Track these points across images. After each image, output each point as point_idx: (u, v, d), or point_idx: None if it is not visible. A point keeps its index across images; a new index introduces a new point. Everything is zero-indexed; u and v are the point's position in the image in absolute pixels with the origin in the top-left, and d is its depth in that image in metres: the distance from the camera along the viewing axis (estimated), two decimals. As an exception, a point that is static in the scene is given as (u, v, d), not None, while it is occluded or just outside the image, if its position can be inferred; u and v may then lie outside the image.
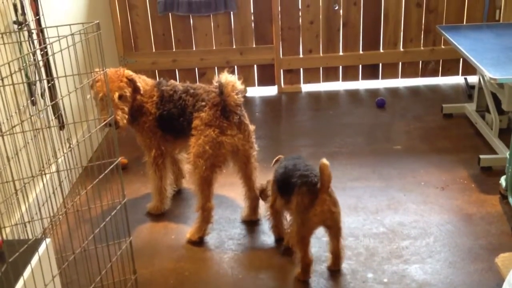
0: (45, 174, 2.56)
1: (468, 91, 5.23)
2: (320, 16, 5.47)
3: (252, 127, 3.29)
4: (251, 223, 3.44)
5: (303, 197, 2.73)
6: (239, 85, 3.10)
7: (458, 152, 4.18)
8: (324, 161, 2.67)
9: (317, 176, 2.75)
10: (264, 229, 3.36)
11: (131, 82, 3.31)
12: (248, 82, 5.66)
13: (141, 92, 3.35)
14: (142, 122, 3.41)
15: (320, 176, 2.71)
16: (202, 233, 3.29)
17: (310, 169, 2.83)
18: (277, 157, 3.22)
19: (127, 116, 3.29)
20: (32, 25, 3.34)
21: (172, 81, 3.48)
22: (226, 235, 3.34)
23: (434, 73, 5.66)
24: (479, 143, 4.29)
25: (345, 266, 2.98)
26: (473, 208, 3.46)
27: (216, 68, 5.56)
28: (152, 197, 3.63)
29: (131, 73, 3.35)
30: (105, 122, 2.73)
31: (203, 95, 3.24)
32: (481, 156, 3.89)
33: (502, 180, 3.50)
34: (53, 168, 2.87)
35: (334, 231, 2.87)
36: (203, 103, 3.20)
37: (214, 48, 5.56)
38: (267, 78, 5.69)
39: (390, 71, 5.68)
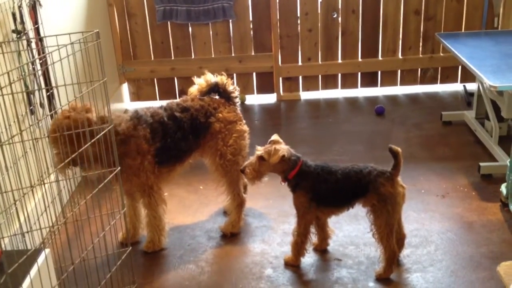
0: (44, 184, 2.54)
1: (467, 99, 5.24)
2: (319, 24, 5.48)
3: None
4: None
5: (385, 187, 2.81)
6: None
7: (458, 159, 4.17)
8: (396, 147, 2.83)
9: (368, 167, 2.87)
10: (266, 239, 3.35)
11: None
12: (247, 90, 5.66)
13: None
14: (136, 164, 2.99)
15: (397, 161, 2.82)
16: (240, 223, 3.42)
17: (348, 166, 2.92)
18: (272, 139, 2.98)
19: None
20: (31, 34, 3.33)
21: (142, 109, 3.13)
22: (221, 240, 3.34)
23: (433, 81, 5.67)
24: (479, 150, 4.28)
25: (346, 275, 2.97)
26: (474, 216, 3.45)
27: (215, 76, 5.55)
28: (153, 234, 3.25)
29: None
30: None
31: (196, 100, 3.28)
32: (481, 164, 3.88)
33: (503, 188, 3.50)
34: (52, 177, 2.85)
35: (401, 209, 2.93)
36: (211, 107, 3.27)
37: (213, 56, 5.56)
38: (266, 86, 5.69)
39: (389, 79, 5.68)
